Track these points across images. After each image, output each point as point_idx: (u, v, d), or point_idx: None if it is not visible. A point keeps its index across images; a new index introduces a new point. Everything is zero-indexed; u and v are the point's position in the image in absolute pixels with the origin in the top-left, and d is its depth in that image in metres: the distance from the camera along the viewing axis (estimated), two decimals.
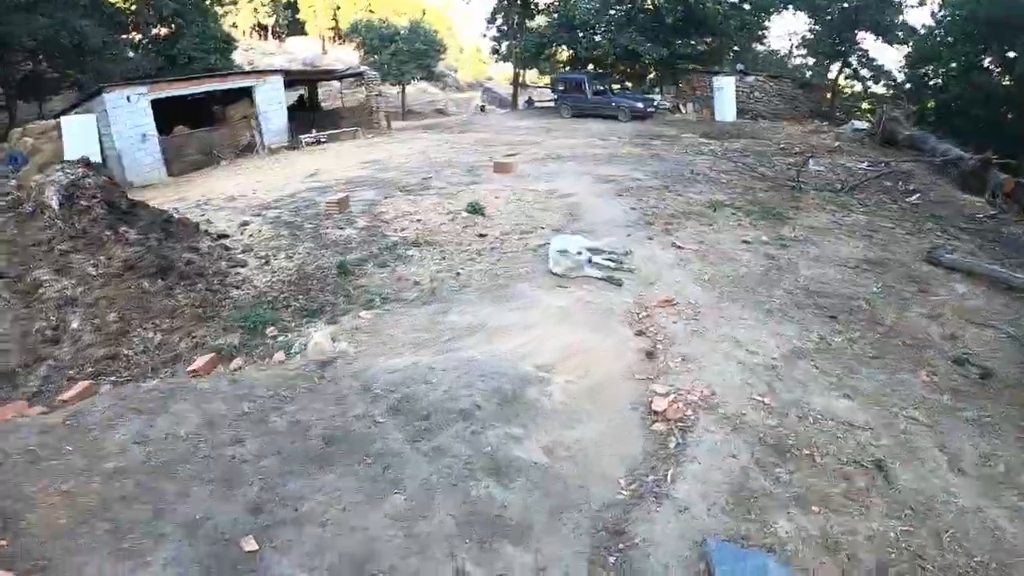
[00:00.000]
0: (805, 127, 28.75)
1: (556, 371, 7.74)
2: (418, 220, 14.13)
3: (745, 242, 12.75)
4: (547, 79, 40.18)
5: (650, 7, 35.08)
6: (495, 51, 42.08)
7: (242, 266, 11.34)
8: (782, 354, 8.54)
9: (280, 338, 9.12)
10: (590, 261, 10.89)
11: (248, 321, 9.42)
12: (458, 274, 11.37)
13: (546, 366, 7.82)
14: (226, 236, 12.72)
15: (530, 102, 40.03)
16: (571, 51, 38.15)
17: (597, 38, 36.31)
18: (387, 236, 13.19)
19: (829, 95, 37.66)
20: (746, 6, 36.31)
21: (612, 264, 11.05)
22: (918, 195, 17.26)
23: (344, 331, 9.17)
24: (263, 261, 11.75)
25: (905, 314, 10.09)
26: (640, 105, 31.17)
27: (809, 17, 38.61)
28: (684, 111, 33.82)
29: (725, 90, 31.10)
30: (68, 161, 13.39)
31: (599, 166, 19.53)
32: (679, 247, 12.30)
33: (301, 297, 10.52)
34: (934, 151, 21.30)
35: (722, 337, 8.88)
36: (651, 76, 40.23)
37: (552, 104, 35.90)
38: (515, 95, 41.72)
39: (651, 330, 9.13)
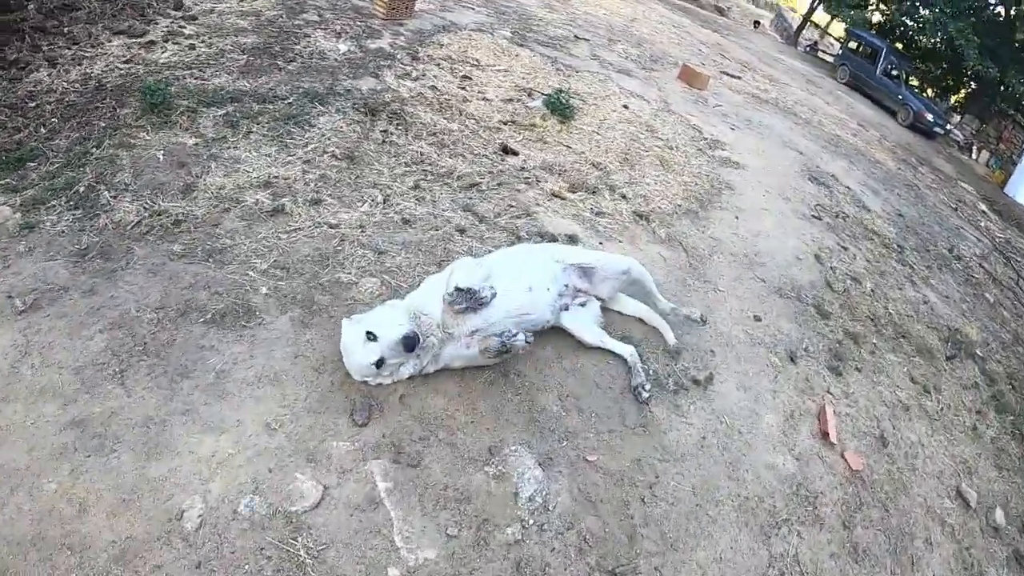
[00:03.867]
0: None
1: None
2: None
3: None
4: (842, 31, 29.12)
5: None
6: None
7: None
8: None
9: None
10: (566, 307, 4.58)
11: None
12: None
13: None
14: None
15: (813, 48, 29.35)
16: (886, 14, 26.95)
17: (924, 11, 25.00)
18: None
19: None
20: None
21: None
22: None
23: None
24: None
25: None
26: (930, 117, 20.67)
27: None
28: (975, 156, 23.16)
29: None
30: None
31: (821, 152, 10.97)
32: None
33: None
34: None
35: None
36: (959, 94, 28.52)
37: (832, 59, 25.71)
38: (800, 29, 30.99)
39: None
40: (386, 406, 3.65)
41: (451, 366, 3.86)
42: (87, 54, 6.66)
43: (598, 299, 4.64)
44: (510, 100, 7.66)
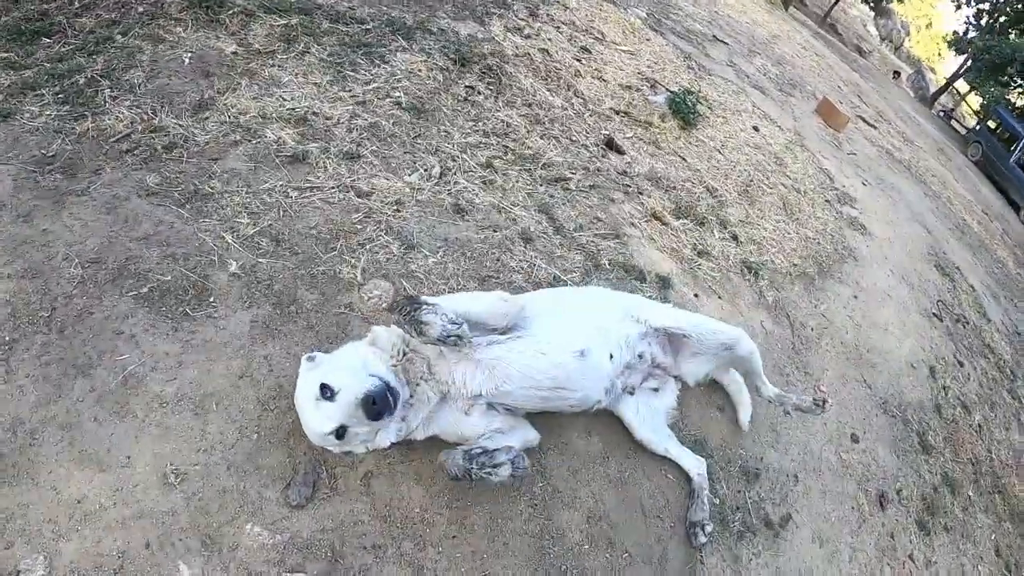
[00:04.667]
0: None
1: None
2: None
3: None
4: (979, 105, 26.30)
5: None
6: (954, 41, 27.77)
7: None
8: None
9: None
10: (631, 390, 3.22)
11: None
12: None
13: None
14: None
15: (947, 114, 26.65)
16: None
17: None
18: None
19: None
20: None
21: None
22: None
23: None
24: None
25: None
26: None
27: None
28: None
29: None
30: None
31: (948, 236, 9.41)
32: None
33: None
34: None
35: None
36: None
37: (964, 131, 23.29)
38: (938, 93, 28.29)
39: None
40: (341, 484, 2.49)
41: (445, 438, 2.64)
42: None
43: (678, 381, 3.34)
44: (629, 87, 6.27)
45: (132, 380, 2.49)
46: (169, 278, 2.82)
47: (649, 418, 3.17)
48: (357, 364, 2.38)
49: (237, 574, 2.23)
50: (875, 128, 11.71)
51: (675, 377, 3.32)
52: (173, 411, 2.46)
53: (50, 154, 3.19)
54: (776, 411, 3.94)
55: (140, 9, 4.38)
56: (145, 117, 3.55)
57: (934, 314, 6.51)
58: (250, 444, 2.47)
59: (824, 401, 3.40)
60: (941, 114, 26.48)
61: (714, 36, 9.63)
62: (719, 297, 4.36)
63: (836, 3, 24.62)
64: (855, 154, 9.15)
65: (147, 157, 3.34)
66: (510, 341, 2.61)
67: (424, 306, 2.36)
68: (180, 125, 3.59)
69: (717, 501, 3.28)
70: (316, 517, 2.41)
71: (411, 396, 2.46)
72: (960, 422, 5.45)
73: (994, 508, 5.08)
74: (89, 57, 3.85)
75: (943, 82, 29.36)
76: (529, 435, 2.77)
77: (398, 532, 2.50)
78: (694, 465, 3.23)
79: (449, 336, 2.35)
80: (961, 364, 6.15)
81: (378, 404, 2.25)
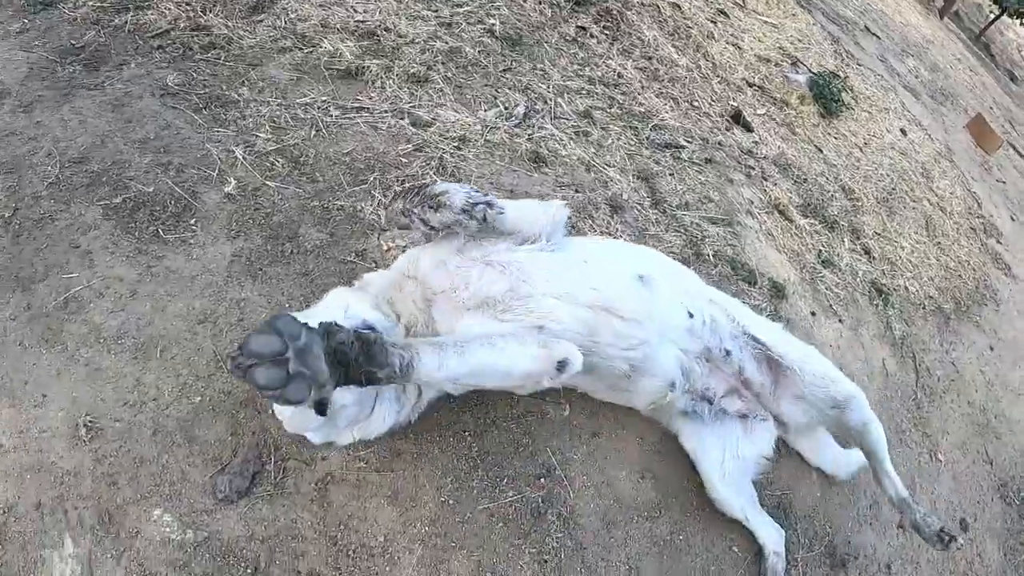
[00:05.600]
0: None
1: None
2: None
3: None
4: None
5: None
6: None
7: None
8: None
9: None
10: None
11: None
12: None
13: None
14: None
15: None
16: None
17: None
18: None
19: None
20: None
21: None
22: None
23: None
24: None
25: None
26: None
27: None
28: None
29: None
30: None
31: None
32: None
33: None
34: None
35: None
36: None
37: None
38: None
39: None
40: (290, 483, 1.83)
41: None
42: None
43: (777, 424, 2.44)
44: (767, 61, 5.24)
45: (73, 304, 1.96)
46: (151, 189, 2.25)
47: (732, 467, 2.29)
48: (338, 312, 1.65)
49: (128, 568, 1.63)
50: None
51: (774, 417, 2.43)
52: (109, 349, 1.90)
53: (79, 45, 2.75)
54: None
55: None
56: (191, 15, 2.98)
57: None
58: (189, 408, 1.86)
59: (953, 539, 2.35)
60: None
61: (865, 27, 8.34)
62: (839, 321, 3.41)
63: (993, 22, 22.06)
64: (1004, 182, 7.78)
65: (178, 55, 2.83)
66: (538, 252, 1.84)
67: (437, 182, 1.70)
68: (227, 25, 3.04)
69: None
70: (246, 519, 1.77)
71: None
72: None
73: None
74: None
75: None
76: (559, 347, 1.75)
77: (347, 563, 1.80)
78: (772, 539, 2.36)
79: (476, 204, 1.70)
80: None
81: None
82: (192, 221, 2.22)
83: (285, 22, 3.18)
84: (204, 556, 1.72)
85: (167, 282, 2.06)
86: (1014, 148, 10.24)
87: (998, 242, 5.96)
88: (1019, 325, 5.22)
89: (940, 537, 2.35)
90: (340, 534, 1.82)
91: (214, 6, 3.14)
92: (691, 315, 2.07)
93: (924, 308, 4.17)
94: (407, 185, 1.87)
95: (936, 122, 7.20)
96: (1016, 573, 3.72)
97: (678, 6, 5.08)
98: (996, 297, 5.14)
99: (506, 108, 3.21)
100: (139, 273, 2.06)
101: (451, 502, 1.96)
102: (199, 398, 1.89)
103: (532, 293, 1.75)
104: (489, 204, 1.75)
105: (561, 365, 1.64)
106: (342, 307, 1.68)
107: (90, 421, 1.79)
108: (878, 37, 8.44)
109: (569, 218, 1.96)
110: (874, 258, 4.06)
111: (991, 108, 11.57)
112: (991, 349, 4.59)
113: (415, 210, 1.75)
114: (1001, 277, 5.49)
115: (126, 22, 2.93)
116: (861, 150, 5.10)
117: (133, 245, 2.11)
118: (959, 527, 3.49)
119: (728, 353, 2.20)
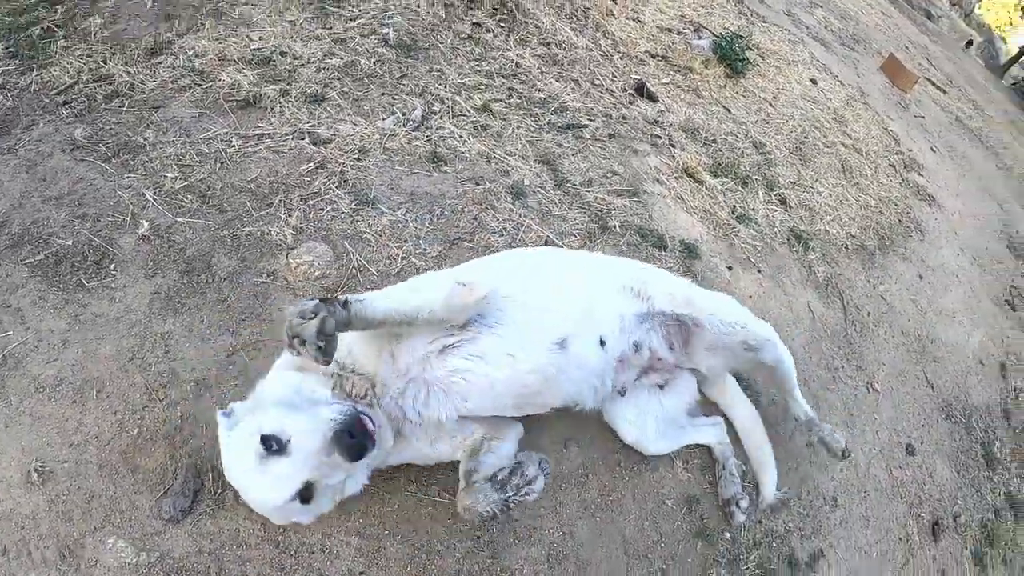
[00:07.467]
0: None
1: None
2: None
3: None
4: None
5: None
6: None
7: None
8: None
9: None
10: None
11: None
12: None
13: None
14: None
15: (1020, 88, 24.10)
16: None
17: None
18: None
19: None
20: None
21: None
22: None
23: None
24: None
25: None
26: None
27: None
28: None
29: None
30: None
31: (1022, 214, 8.05)
32: None
33: None
34: None
35: None
36: None
37: None
38: (1010, 63, 25.80)
39: None
40: (229, 496, 1.94)
41: (419, 463, 2.03)
42: None
43: (695, 374, 2.53)
44: (669, 30, 5.30)
45: (12, 360, 2.09)
46: (70, 242, 2.34)
47: (657, 427, 2.40)
48: (293, 397, 1.66)
49: None
50: (944, 92, 10.40)
51: (690, 370, 2.50)
52: (50, 397, 2.04)
53: None
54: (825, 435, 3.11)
55: None
56: (93, 67, 3.07)
57: (1006, 301, 5.48)
58: (128, 440, 2.00)
59: (849, 453, 2.63)
60: (1017, 86, 24.15)
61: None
62: (758, 271, 3.48)
63: None
64: (923, 117, 7.96)
65: (84, 108, 2.90)
66: (466, 344, 1.84)
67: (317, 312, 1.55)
68: (128, 72, 3.09)
69: (733, 531, 2.48)
70: (193, 535, 1.88)
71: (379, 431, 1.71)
72: None
73: None
74: (50, 7, 3.39)
75: (1015, 51, 26.86)
76: (517, 427, 2.08)
77: (291, 562, 1.90)
78: (713, 435, 2.59)
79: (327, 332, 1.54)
80: None
81: (357, 437, 1.54)
82: (111, 267, 2.33)
83: (183, 60, 3.22)
84: (159, 575, 1.84)
85: (95, 327, 2.17)
86: (932, 83, 10.49)
87: (919, 175, 6.11)
88: (947, 252, 5.36)
89: (844, 453, 2.63)
90: (281, 537, 1.94)
91: (114, 54, 3.16)
92: (603, 342, 2.12)
93: (847, 248, 4.27)
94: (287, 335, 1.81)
95: (848, 68, 7.35)
96: (971, 488, 3.83)
97: None
98: (921, 228, 5.27)
99: (404, 114, 3.23)
100: (68, 322, 2.17)
101: (381, 493, 2.04)
102: (136, 430, 2.01)
103: (474, 408, 1.87)
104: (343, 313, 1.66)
105: None
106: (294, 389, 1.70)
107: (40, 466, 1.91)
108: None
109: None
110: (791, 207, 4.15)
111: (906, 48, 11.83)
112: (920, 278, 4.72)
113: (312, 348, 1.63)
114: (925, 208, 5.63)
115: (31, 82, 2.98)
116: (771, 104, 5.19)
117: (60, 297, 2.22)
118: (905, 452, 3.59)
119: (637, 346, 2.27)
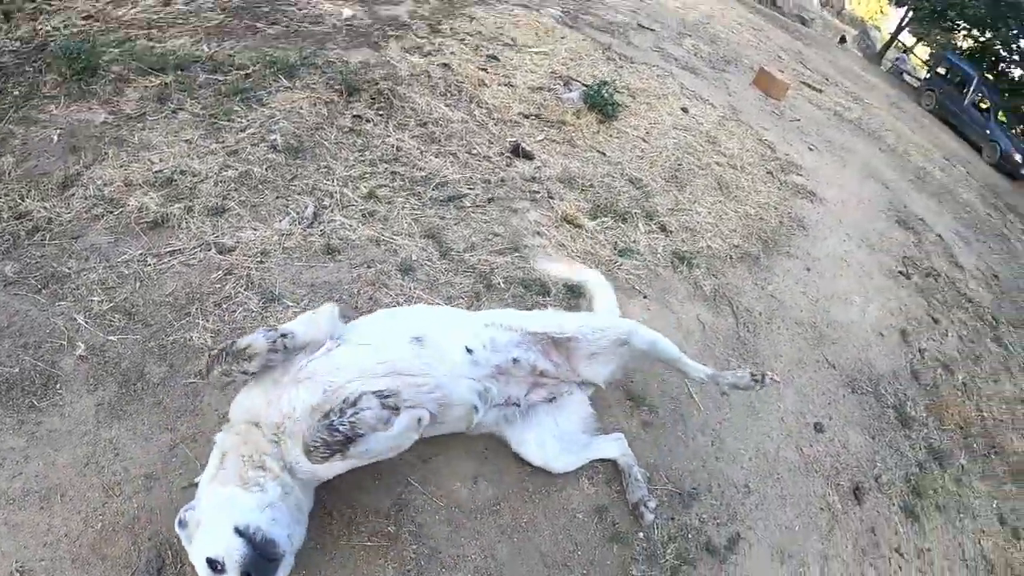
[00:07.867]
0: None
1: None
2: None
3: None
4: (927, 54, 25.57)
5: None
6: None
7: None
8: None
9: None
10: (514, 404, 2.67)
11: None
12: None
13: None
14: None
15: (897, 70, 25.84)
16: (979, 40, 23.33)
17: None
18: None
19: None
20: None
21: None
22: None
23: None
24: None
25: None
26: (1019, 157, 16.89)
27: None
28: None
29: None
30: None
31: (909, 188, 8.92)
32: None
33: None
34: None
35: None
36: None
37: (916, 83, 22.59)
38: (885, 49, 27.61)
39: None
40: (188, 569, 2.12)
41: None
42: (50, 6, 5.08)
43: (586, 387, 2.87)
44: (539, 89, 5.74)
45: None
46: (17, 370, 2.58)
47: (558, 445, 2.70)
48: (222, 512, 1.93)
49: None
50: (820, 92, 11.17)
51: (580, 384, 2.83)
52: (20, 507, 2.27)
53: None
54: (717, 415, 3.40)
55: (16, 92, 4.05)
56: (12, 204, 3.25)
57: (900, 272, 5.96)
58: (94, 534, 2.25)
59: (764, 375, 2.91)
60: (892, 66, 25.81)
61: (639, 24, 9.11)
62: (644, 297, 3.83)
63: None
64: (799, 120, 8.61)
65: (10, 246, 3.08)
66: (329, 352, 2.18)
67: (236, 339, 2.05)
68: (45, 207, 3.28)
69: (646, 528, 2.75)
70: None
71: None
72: (942, 385, 4.91)
73: (991, 471, 4.50)
74: None
75: (888, 37, 28.73)
76: (415, 411, 2.17)
77: None
78: (615, 448, 2.88)
79: (275, 340, 2.05)
80: (936, 321, 5.60)
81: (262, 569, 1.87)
82: (57, 386, 2.57)
83: (93, 190, 3.42)
84: None
85: (51, 441, 2.43)
86: (807, 85, 11.28)
87: (798, 175, 6.63)
88: (832, 240, 5.83)
89: (755, 380, 2.92)
90: None
91: (29, 191, 3.35)
92: (470, 350, 2.40)
93: (731, 258, 4.66)
94: (213, 352, 2.14)
95: (719, 90, 7.94)
96: (890, 448, 4.15)
97: (448, 66, 5.53)
98: (803, 224, 5.73)
99: (297, 213, 3.51)
100: (26, 440, 2.41)
101: (316, 546, 2.27)
102: (100, 524, 2.26)
103: (339, 385, 2.07)
104: (283, 335, 2.07)
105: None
106: (225, 501, 1.93)
107: (20, 567, 2.12)
108: (653, 30, 9.21)
109: (342, 312, 2.36)
110: (671, 231, 4.53)
111: (780, 57, 12.68)
112: (808, 270, 5.13)
113: (233, 368, 2.05)
114: (806, 205, 6.12)
115: None
116: (644, 140, 5.64)
117: (15, 418, 2.46)
118: (814, 431, 3.89)
119: (517, 360, 2.56)
